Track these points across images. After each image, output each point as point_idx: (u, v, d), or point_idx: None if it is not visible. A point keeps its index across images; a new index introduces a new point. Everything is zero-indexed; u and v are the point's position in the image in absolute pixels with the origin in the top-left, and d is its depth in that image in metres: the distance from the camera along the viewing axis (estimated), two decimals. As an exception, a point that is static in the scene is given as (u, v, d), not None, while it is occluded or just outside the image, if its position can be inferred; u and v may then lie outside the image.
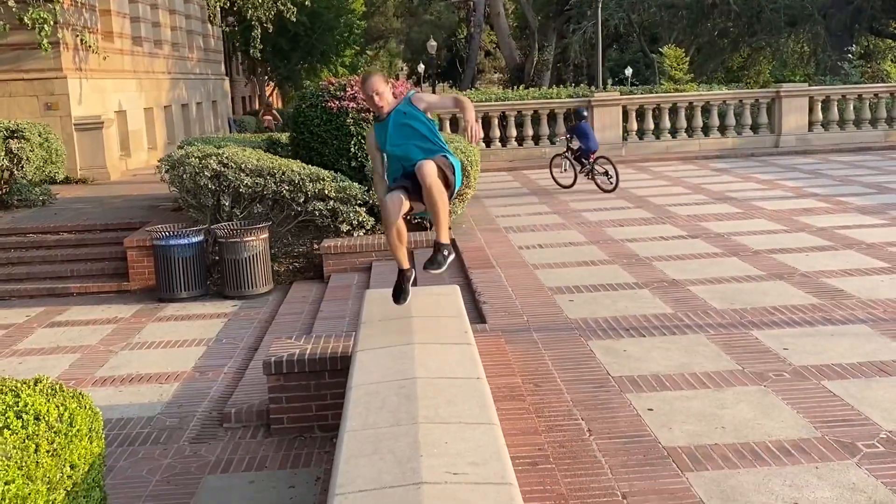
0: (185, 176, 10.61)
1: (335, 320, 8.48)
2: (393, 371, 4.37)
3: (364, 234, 10.90)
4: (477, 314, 7.30)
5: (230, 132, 27.00)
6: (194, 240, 10.27)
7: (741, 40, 36.78)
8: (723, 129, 18.80)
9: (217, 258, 10.54)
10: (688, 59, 28.47)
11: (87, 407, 4.05)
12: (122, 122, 19.63)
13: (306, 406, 6.10)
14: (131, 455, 5.82)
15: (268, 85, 40.99)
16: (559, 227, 11.01)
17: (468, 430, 3.64)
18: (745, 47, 37.60)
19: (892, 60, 33.20)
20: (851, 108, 18.71)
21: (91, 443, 4.01)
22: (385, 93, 5.08)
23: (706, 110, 18.96)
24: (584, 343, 6.26)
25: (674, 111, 18.90)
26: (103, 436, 4.23)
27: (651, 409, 4.99)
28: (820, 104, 18.69)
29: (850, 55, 25.25)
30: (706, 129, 18.81)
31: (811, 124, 18.60)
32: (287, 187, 10.63)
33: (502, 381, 5.35)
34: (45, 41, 15.42)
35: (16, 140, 13.85)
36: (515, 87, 23.38)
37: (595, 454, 4.45)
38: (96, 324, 9.31)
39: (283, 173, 10.65)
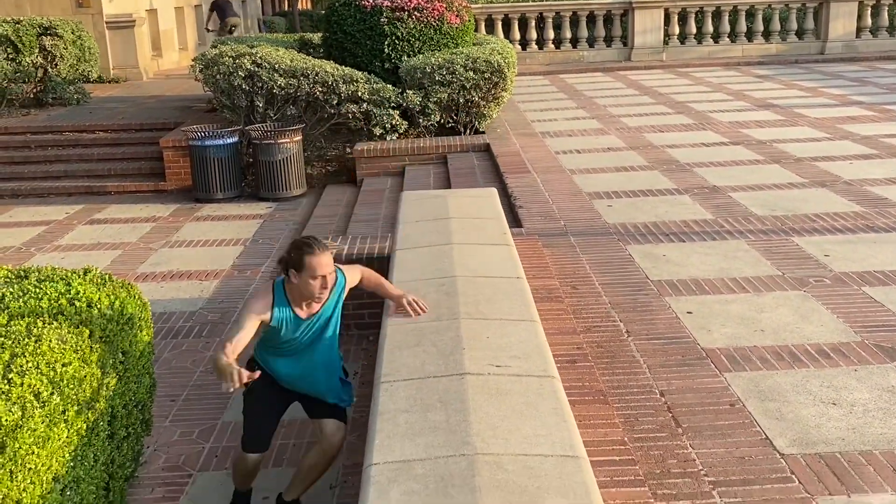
0: (218, 76, 10.52)
1: (369, 223, 8.50)
2: (433, 269, 4.39)
3: (397, 137, 10.80)
4: (513, 218, 7.26)
5: (260, 32, 26.61)
6: (229, 141, 10.26)
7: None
8: (767, 35, 18.17)
9: (251, 160, 10.54)
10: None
11: (136, 297, 4.14)
12: (153, 21, 19.40)
13: (344, 305, 6.18)
14: (175, 347, 5.97)
15: (298, -15, 40.09)
16: (597, 133, 10.84)
17: (509, 326, 3.66)
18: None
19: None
20: (903, 12, 17.98)
21: (141, 331, 4.11)
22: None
23: (750, 14, 18.30)
24: (622, 248, 6.23)
25: (717, 15, 18.27)
26: (152, 325, 4.33)
27: (690, 313, 4.99)
28: (870, 9, 17.93)
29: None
30: (750, 35, 18.20)
31: (859, 30, 17.90)
32: (320, 88, 10.51)
33: (539, 282, 5.35)
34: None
35: (49, 37, 13.77)
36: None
37: (633, 354, 4.48)
38: (135, 222, 9.42)
39: (317, 74, 10.51)
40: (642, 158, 9.17)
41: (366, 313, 6.06)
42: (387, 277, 4.30)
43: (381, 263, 5.89)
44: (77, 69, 14.50)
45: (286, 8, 38.52)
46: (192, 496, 4.22)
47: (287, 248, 3.67)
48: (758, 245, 6.12)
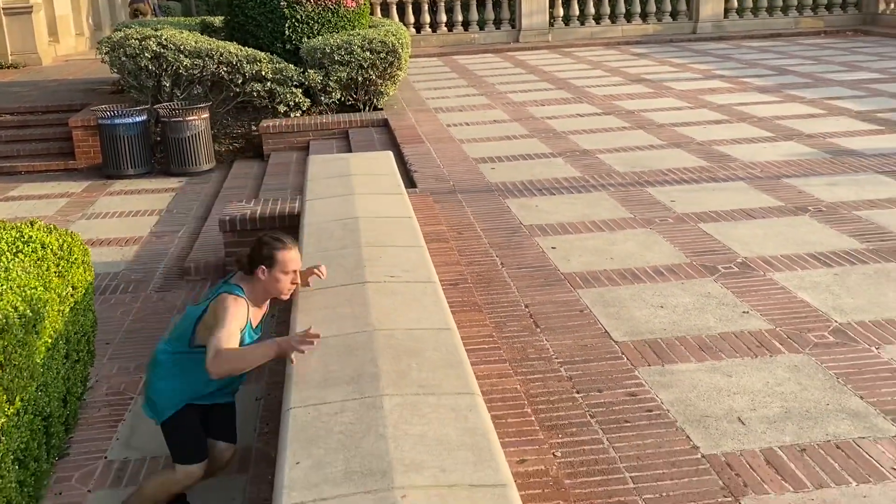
0: (125, 58, 10.96)
1: (278, 191, 9.19)
2: (338, 212, 5.20)
3: (301, 114, 11.48)
4: (408, 181, 8.11)
5: (155, 17, 26.54)
6: (138, 119, 10.73)
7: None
8: (644, 16, 19.53)
9: (160, 138, 11.03)
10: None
11: (79, 242, 4.81)
12: (48, 7, 19.33)
13: (259, 259, 6.90)
14: (104, 302, 6.57)
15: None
16: (486, 108, 11.78)
17: (402, 251, 4.51)
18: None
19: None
20: (764, -5, 19.61)
21: (85, 272, 4.79)
22: None
23: (629, -3, 19.64)
24: (502, 201, 7.17)
25: (598, -2, 19.54)
26: (92, 267, 5.00)
27: (554, 248, 5.96)
28: (735, -8, 19.55)
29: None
30: (629, 16, 19.52)
31: (727, 11, 19.46)
32: (225, 68, 11.09)
33: (430, 228, 6.22)
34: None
35: (-55, 23, 13.79)
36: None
37: (505, 279, 5.41)
38: (50, 198, 9.84)
39: (221, 54, 11.08)
40: (524, 129, 10.16)
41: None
42: (298, 225, 5.12)
43: (293, 219, 6.65)
44: (-25, 55, 14.54)
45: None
46: (135, 413, 4.91)
47: (253, 245, 3.56)
48: (616, 195, 7.16)
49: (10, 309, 3.59)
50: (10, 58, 16.94)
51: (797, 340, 4.39)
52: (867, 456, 3.39)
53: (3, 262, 4.00)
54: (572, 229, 6.35)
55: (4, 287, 3.75)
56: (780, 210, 6.56)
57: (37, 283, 3.98)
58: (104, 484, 4.10)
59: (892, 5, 19.20)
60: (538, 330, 4.64)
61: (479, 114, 11.34)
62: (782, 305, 4.83)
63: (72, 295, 4.51)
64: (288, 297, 3.66)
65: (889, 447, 3.45)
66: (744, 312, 4.76)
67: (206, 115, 10.86)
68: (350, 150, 10.38)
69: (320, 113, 11.63)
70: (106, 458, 4.31)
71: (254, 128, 11.52)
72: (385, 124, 11.10)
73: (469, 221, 6.63)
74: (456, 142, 9.63)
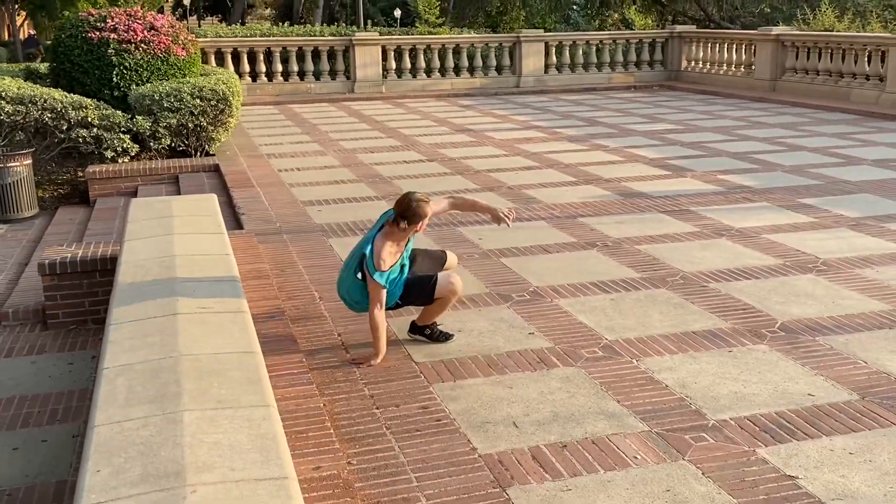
0: (-61, 102, 10.65)
1: (103, 236, 9.20)
2: (156, 251, 5.44)
3: (129, 160, 11.49)
4: (236, 223, 8.40)
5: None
6: (-46, 165, 10.42)
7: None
8: (472, 70, 20.66)
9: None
10: (449, 3, 30.19)
11: None
12: None
13: (80, 302, 6.94)
14: (-87, 349, 6.42)
15: (18, 14, 38.24)
16: (317, 154, 12.21)
17: (215, 286, 4.82)
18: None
19: (636, 10, 36.86)
20: (581, 52, 21.21)
21: None
22: None
23: (457, 52, 20.71)
24: (325, 241, 7.58)
25: (429, 52, 20.51)
26: None
27: (369, 282, 6.40)
28: (554, 49, 21.04)
29: (575, 6, 28.09)
30: (457, 70, 20.59)
31: (547, 67, 20.92)
32: (49, 115, 10.98)
33: (251, 266, 6.55)
34: None
35: None
36: (282, 24, 23.98)
37: (323, 312, 5.80)
38: None
39: (45, 101, 10.98)
40: (352, 174, 10.65)
41: (101, 309, 6.88)
42: (115, 264, 5.31)
43: (113, 262, 6.77)
44: None
45: (7, 38, 36.55)
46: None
47: (402, 203, 5.12)
48: (432, 234, 7.73)
49: None
50: None
51: (571, 356, 5.02)
52: (616, 449, 4.00)
53: None
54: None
55: None
56: (573, 245, 7.32)
57: None
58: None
59: (693, 63, 21.27)
60: (347, 356, 5.04)
61: (311, 160, 11.75)
62: (563, 327, 5.47)
63: None
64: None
65: (635, 441, 4.07)
66: (529, 333, 5.36)
67: (28, 161, 10.69)
68: (179, 193, 10.52)
69: (150, 158, 11.68)
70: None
71: (80, 174, 11.42)
72: (216, 169, 11.30)
73: (292, 260, 6.98)
74: (286, 186, 9.98)
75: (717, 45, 20.50)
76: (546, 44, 20.84)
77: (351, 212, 8.65)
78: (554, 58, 20.96)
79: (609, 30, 31.05)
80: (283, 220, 8.29)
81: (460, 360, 4.98)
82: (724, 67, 20.16)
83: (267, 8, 64.44)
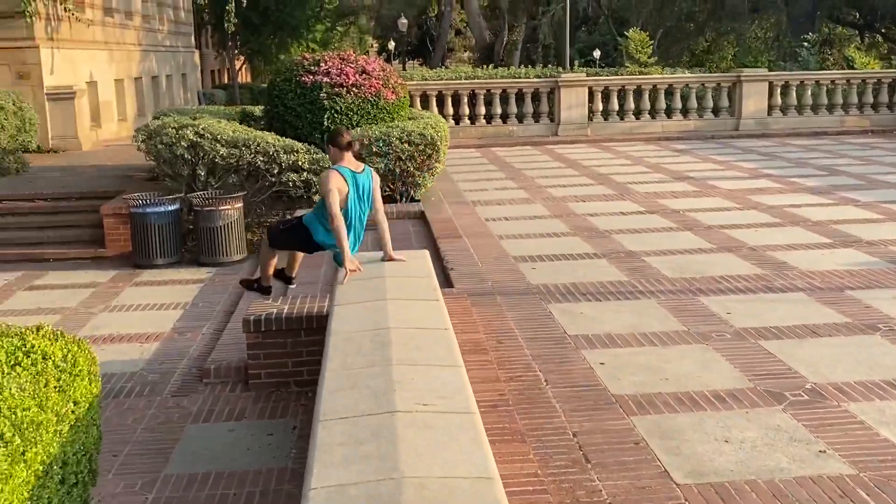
0: (160, 146, 10.86)
1: (309, 285, 8.83)
2: (368, 322, 4.78)
3: (336, 205, 11.22)
4: (445, 280, 7.71)
5: (199, 105, 27.01)
6: (170, 208, 10.54)
7: (706, 25, 37.45)
8: (685, 112, 19.34)
9: (192, 226, 10.82)
10: (654, 42, 29.01)
11: (86, 350, 4.42)
12: (92, 92, 19.67)
13: (283, 362, 6.47)
14: (117, 406, 6.16)
15: (237, 59, 40.86)
16: (525, 202, 11.45)
17: (436, 371, 4.06)
18: (710, 32, 38.28)
19: (856, 48, 34.04)
20: (809, 93, 19.33)
21: (90, 384, 4.38)
22: None
23: (669, 93, 19.47)
24: (543, 306, 6.71)
25: (638, 93, 19.40)
26: (100, 379, 4.59)
27: (603, 363, 5.46)
28: (779, 89, 19.30)
29: (806, 43, 25.94)
30: (669, 112, 19.33)
31: (770, 108, 19.19)
32: (262, 158, 10.93)
33: (467, 336, 5.78)
34: (27, 9, 15.33)
35: (-11, 108, 13.94)
36: (485, 67, 23.73)
37: (550, 400, 4.91)
38: (75, 287, 9.58)
39: (258, 144, 10.94)
40: (565, 226, 9.77)
41: (304, 370, 6.40)
42: (325, 331, 4.69)
43: (320, 321, 6.26)
44: (17, 139, 14.65)
45: (226, 81, 39.03)
46: (138, 540, 4.44)
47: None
48: (667, 304, 6.67)
49: (-6, 437, 3.18)
50: (50, 142, 17.10)
51: (885, 489, 3.82)
52: None
53: (-3, 378, 3.61)
54: (621, 342, 5.85)
55: (-7, 408, 3.35)
56: (848, 327, 6.02)
57: (31, 403, 3.58)
58: None
59: (941, 105, 18.82)
60: (589, 466, 4.12)
61: (519, 208, 11.00)
62: (862, 444, 4.27)
63: (73, 411, 4.09)
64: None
65: None
66: (820, 451, 4.20)
67: (239, 204, 10.65)
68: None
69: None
70: None
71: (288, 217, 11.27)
72: (422, 216, 10.81)
73: (509, 328, 6.17)
74: (494, 238, 9.26)
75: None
76: (770, 83, 19.14)
77: (569, 271, 7.75)
78: (778, 98, 19.21)
79: (831, 69, 28.60)
80: (495, 279, 7.52)
81: (735, 485, 3.91)
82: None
83: (465, 51, 65.63)
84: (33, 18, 16.28)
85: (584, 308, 6.62)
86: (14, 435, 3.31)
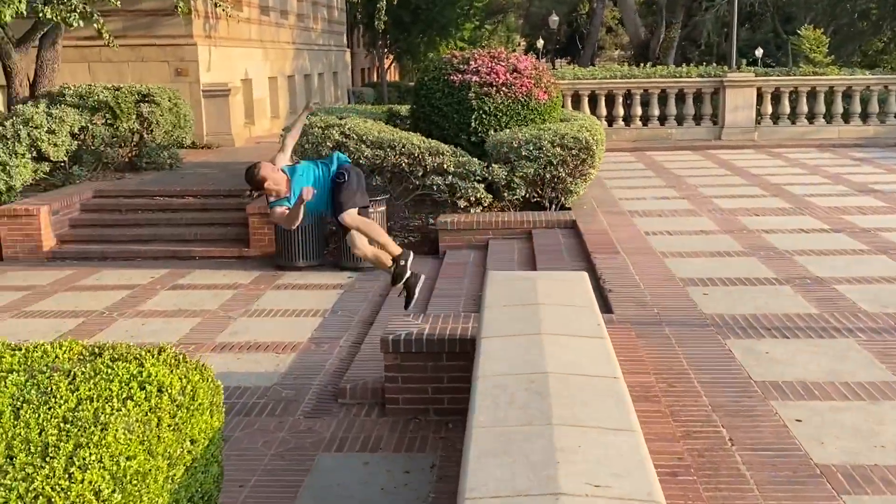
0: (307, 145, 10.60)
1: (451, 298, 8.29)
2: (521, 362, 4.10)
3: (481, 210, 10.65)
4: (603, 303, 6.92)
5: (349, 103, 27.20)
6: (313, 210, 10.24)
7: (883, 23, 34.46)
8: (864, 117, 17.58)
9: (334, 228, 10.49)
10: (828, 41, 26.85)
11: (209, 380, 3.95)
12: (247, 90, 19.99)
13: (422, 388, 5.90)
14: (247, 426, 5.78)
15: (387, 57, 41.16)
16: (689, 214, 10.46)
17: (607, 436, 3.33)
18: (888, 30, 35.21)
19: None
20: None
21: (212, 417, 3.91)
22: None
23: (847, 96, 17.75)
24: (721, 341, 5.83)
25: (812, 95, 17.79)
26: (223, 409, 4.14)
27: (799, 420, 4.56)
28: (977, 92, 17.22)
29: None
30: (846, 116, 17.62)
31: (966, 114, 17.16)
32: (406, 160, 10.48)
33: (634, 379, 5.00)
34: (182, 6, 15.65)
35: (147, 104, 14.22)
36: (641, 65, 22.52)
37: (738, 467, 4.07)
38: (217, 288, 9.41)
39: (403, 146, 10.50)
40: (737, 243, 8.75)
41: (445, 398, 5.80)
42: (468, 356, 4.17)
43: (464, 346, 5.65)
44: (172, 135, 14.91)
45: (375, 80, 39.43)
46: None
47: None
48: (870, 346, 5.64)
49: (89, 496, 2.72)
50: (205, 138, 17.41)
51: None
52: None
53: (104, 417, 3.17)
54: (820, 393, 4.91)
55: (94, 457, 2.90)
56: None
57: (138, 450, 3.11)
58: None
59: None
60: (796, 568, 3.27)
61: (682, 221, 10.03)
62: None
63: (189, 451, 3.63)
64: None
65: None
66: None
67: (382, 207, 10.23)
68: (533, 253, 9.38)
69: (502, 209, 10.74)
70: None
71: (431, 222, 10.80)
72: (573, 226, 10.04)
73: (682, 368, 5.33)
74: (657, 255, 8.37)
75: None
76: (967, 86, 17.10)
77: (748, 298, 6.79)
78: (978, 102, 17.14)
79: None
80: (661, 305, 6.67)
81: None
82: None
83: (616, 49, 63.89)
84: (191, 16, 16.58)
85: (770, 346, 5.69)
86: (114, 491, 2.84)
